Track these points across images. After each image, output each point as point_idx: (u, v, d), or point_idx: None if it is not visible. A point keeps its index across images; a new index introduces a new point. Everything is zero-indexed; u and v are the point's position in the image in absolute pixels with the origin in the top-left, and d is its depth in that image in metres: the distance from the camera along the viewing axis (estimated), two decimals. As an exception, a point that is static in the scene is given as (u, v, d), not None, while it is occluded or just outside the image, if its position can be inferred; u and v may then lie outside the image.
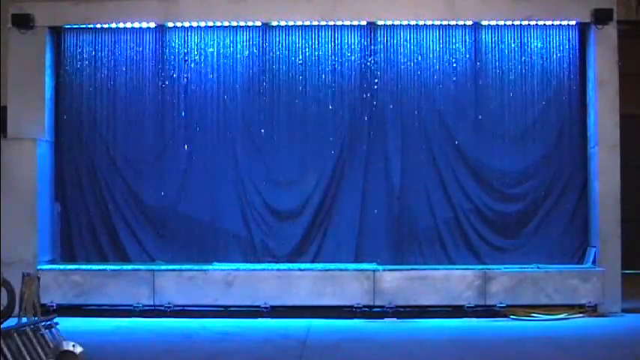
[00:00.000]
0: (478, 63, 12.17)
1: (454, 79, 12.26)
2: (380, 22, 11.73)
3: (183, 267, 11.59)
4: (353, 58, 12.21)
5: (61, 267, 11.64)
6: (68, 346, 7.56)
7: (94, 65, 12.29)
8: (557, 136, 12.20)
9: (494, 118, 12.25)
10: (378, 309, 11.28)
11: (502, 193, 12.25)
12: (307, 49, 12.03)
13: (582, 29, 11.79)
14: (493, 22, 11.66)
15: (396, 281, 11.26)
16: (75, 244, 12.32)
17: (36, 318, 7.91)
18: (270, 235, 12.33)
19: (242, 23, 11.73)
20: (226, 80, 12.35)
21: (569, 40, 11.91)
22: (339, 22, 11.70)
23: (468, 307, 11.17)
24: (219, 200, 12.39)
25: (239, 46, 12.06)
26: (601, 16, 11.42)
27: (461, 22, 11.63)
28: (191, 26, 11.83)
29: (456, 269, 11.56)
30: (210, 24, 11.76)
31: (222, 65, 12.29)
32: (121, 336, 10.06)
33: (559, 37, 11.88)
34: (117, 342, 9.65)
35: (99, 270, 11.51)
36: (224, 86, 12.36)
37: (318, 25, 11.73)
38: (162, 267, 11.66)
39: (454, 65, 12.24)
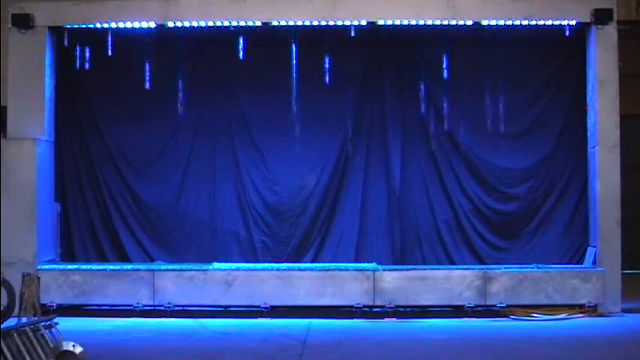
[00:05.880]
0: (478, 63, 12.18)
1: (454, 78, 12.27)
2: (380, 22, 11.72)
3: (183, 267, 11.59)
4: (353, 57, 12.20)
5: (61, 267, 11.64)
6: (68, 346, 7.55)
7: (94, 65, 12.28)
8: (557, 136, 12.22)
9: (495, 117, 12.26)
10: (378, 309, 11.28)
11: (502, 193, 12.27)
12: (308, 49, 12.00)
13: (582, 29, 11.78)
14: (493, 22, 11.65)
15: (396, 281, 11.26)
16: (75, 244, 12.35)
17: (36, 318, 7.90)
18: (270, 235, 12.35)
19: (242, 23, 11.71)
20: (226, 80, 12.36)
21: (569, 40, 11.91)
22: (339, 22, 11.69)
23: (468, 307, 11.16)
24: (218, 200, 12.42)
25: (239, 45, 12.03)
26: (601, 16, 11.41)
27: (461, 22, 11.62)
28: (191, 26, 11.81)
29: (456, 269, 11.56)
30: (211, 24, 11.74)
31: (221, 65, 12.30)
32: (121, 336, 10.05)
33: (559, 37, 11.86)
34: (117, 342, 9.64)
35: (99, 270, 11.50)
36: (224, 86, 12.38)
37: (318, 25, 11.71)
38: (163, 267, 11.67)
39: (454, 65, 12.24)
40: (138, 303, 11.31)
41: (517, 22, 11.65)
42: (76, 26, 11.90)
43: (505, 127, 12.27)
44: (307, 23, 11.70)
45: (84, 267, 11.65)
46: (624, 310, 11.34)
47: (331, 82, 12.18)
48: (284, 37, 11.83)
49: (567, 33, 11.71)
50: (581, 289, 11.20)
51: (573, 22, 11.64)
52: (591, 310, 11.19)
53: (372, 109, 12.39)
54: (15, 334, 7.30)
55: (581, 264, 11.86)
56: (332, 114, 12.32)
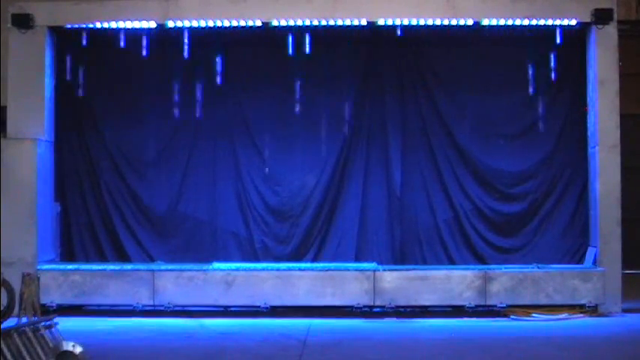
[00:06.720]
0: (478, 63, 12.18)
1: (454, 78, 12.29)
2: (380, 22, 11.72)
3: (183, 267, 11.58)
4: (353, 57, 12.19)
5: (61, 267, 11.63)
6: (68, 346, 7.54)
7: (94, 65, 12.30)
8: (557, 136, 12.23)
9: (495, 117, 12.27)
10: (378, 309, 11.28)
11: (502, 193, 12.28)
12: (308, 49, 11.99)
13: (582, 29, 11.78)
14: (493, 22, 11.65)
15: (396, 281, 11.25)
16: (75, 244, 12.35)
17: (36, 318, 7.90)
18: (270, 235, 12.36)
19: (242, 23, 11.71)
20: (226, 80, 12.36)
21: (569, 40, 11.90)
22: (339, 22, 11.68)
23: (468, 307, 11.16)
24: (218, 200, 12.42)
25: (239, 45, 12.02)
26: (601, 16, 11.41)
27: (461, 22, 11.61)
28: (191, 26, 11.81)
29: (456, 269, 11.55)
30: (211, 24, 11.74)
31: (222, 65, 12.29)
32: (121, 336, 10.04)
33: (559, 37, 11.86)
34: (117, 342, 9.64)
35: (99, 270, 11.50)
36: (224, 86, 12.38)
37: (318, 25, 11.70)
38: (162, 267, 11.66)
39: (454, 65, 12.26)
40: (138, 303, 11.30)
41: (517, 22, 11.65)
42: (76, 26, 11.89)
43: (505, 127, 12.29)
44: (307, 23, 11.70)
45: (84, 267, 11.65)
46: (624, 310, 11.34)
47: (331, 81, 12.20)
48: (284, 37, 11.82)
49: (567, 33, 11.72)
50: (581, 289, 11.19)
51: (573, 22, 11.64)
52: (591, 310, 11.18)
53: (372, 109, 12.39)
54: (15, 334, 7.29)
55: (582, 264, 11.86)
56: (332, 114, 12.32)
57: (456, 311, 11.27)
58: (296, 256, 12.26)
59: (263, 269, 11.58)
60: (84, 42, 11.98)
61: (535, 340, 9.66)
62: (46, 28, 11.74)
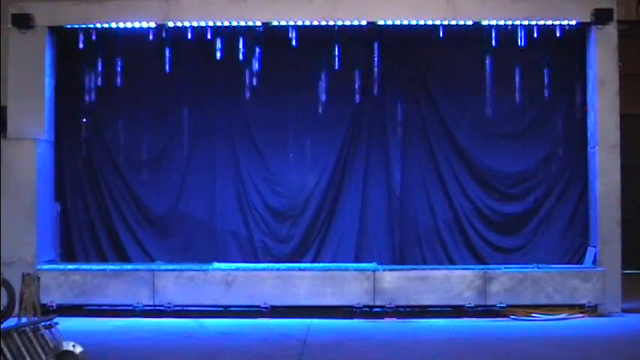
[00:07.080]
0: (478, 63, 12.17)
1: (454, 79, 12.29)
2: (380, 22, 11.71)
3: (183, 267, 11.58)
4: (353, 57, 12.20)
5: (61, 267, 11.63)
6: (68, 346, 7.55)
7: (94, 65, 12.29)
8: (557, 136, 12.23)
9: (495, 118, 12.27)
10: (378, 309, 11.28)
11: (502, 193, 12.29)
12: (308, 49, 11.98)
13: (582, 29, 11.78)
14: (493, 22, 11.65)
15: (396, 281, 11.26)
16: (75, 244, 12.36)
17: (36, 318, 7.90)
18: (270, 235, 12.36)
19: (242, 23, 11.71)
20: (226, 80, 12.37)
21: (569, 40, 11.90)
22: (339, 22, 11.68)
23: (468, 307, 11.16)
24: (218, 200, 12.43)
25: (239, 45, 12.02)
26: (601, 16, 11.42)
27: (461, 22, 11.61)
28: (191, 26, 11.80)
29: (456, 269, 11.56)
30: (211, 24, 11.74)
31: (221, 65, 12.28)
32: (121, 336, 10.05)
33: (559, 37, 11.85)
34: (117, 342, 9.64)
35: (99, 270, 11.50)
36: (224, 86, 12.38)
37: (318, 25, 11.70)
38: (162, 267, 11.66)
39: (454, 65, 12.26)
40: (138, 303, 11.31)
41: (517, 22, 11.65)
42: (76, 26, 11.89)
43: (505, 127, 12.29)
44: (307, 23, 11.70)
45: (84, 267, 11.65)
46: (624, 310, 11.34)
47: (331, 82, 12.19)
48: (284, 37, 11.82)
49: (567, 33, 11.72)
50: (581, 289, 11.19)
51: (573, 22, 11.65)
52: (591, 310, 11.19)
53: (372, 109, 12.40)
54: (15, 334, 7.29)
55: (581, 264, 11.86)
56: (332, 114, 12.31)
57: (456, 311, 11.27)
58: (296, 256, 12.26)
59: (263, 269, 11.59)
60: (84, 42, 11.97)
61: (535, 340, 9.67)
62: (46, 28, 11.74)
